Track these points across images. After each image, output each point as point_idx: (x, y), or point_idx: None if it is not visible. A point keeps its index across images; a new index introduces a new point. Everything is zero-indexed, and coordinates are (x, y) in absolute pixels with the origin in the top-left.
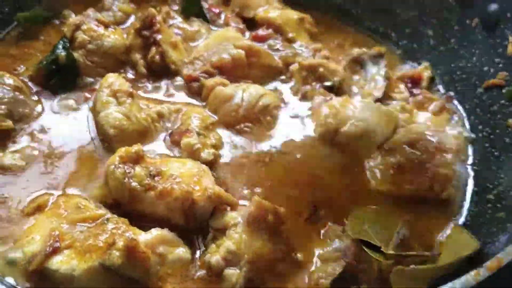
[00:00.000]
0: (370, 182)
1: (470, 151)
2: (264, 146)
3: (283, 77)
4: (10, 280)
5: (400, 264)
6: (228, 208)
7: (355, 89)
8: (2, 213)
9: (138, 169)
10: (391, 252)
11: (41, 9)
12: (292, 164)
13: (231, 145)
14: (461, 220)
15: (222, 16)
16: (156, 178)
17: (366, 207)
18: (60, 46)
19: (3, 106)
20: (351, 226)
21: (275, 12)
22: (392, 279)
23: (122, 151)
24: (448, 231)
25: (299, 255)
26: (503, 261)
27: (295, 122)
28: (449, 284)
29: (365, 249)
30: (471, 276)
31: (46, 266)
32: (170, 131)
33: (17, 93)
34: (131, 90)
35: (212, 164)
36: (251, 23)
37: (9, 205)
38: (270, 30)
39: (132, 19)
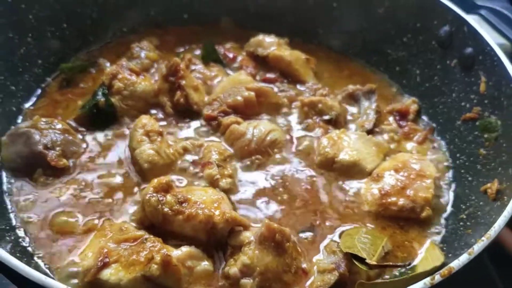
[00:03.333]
0: (362, 204)
1: (449, 176)
2: (272, 174)
3: (286, 110)
4: None
5: (383, 273)
6: (242, 229)
7: (350, 121)
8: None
9: (168, 197)
10: (373, 263)
11: (80, 59)
12: (296, 190)
13: (244, 175)
14: (441, 236)
15: (238, 59)
16: (183, 204)
17: (357, 227)
18: (100, 93)
19: (57, 148)
20: (343, 242)
21: (286, 51)
22: None
23: (155, 182)
24: (426, 246)
25: (303, 266)
26: (454, 269)
27: (299, 152)
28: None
29: (354, 260)
30: (428, 281)
31: (98, 277)
32: (192, 160)
33: (66, 135)
34: (161, 130)
35: (228, 191)
36: (263, 62)
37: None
38: (277, 74)
39: (157, 64)
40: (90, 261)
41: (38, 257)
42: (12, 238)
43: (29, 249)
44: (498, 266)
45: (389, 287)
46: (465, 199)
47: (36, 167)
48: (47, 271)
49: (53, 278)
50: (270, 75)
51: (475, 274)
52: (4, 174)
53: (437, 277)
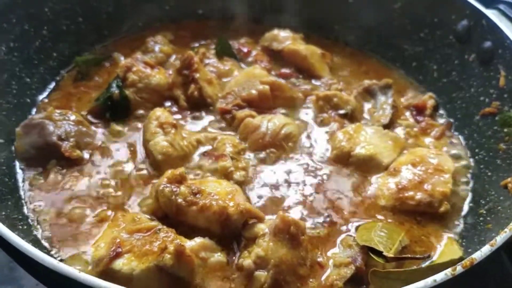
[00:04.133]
0: (378, 198)
1: (468, 171)
2: (287, 167)
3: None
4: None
5: (400, 266)
6: (256, 221)
7: (366, 115)
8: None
9: (182, 188)
10: (391, 255)
11: (94, 53)
12: (312, 183)
13: (258, 168)
14: (459, 231)
15: (252, 53)
16: (197, 195)
17: (374, 221)
18: (114, 85)
19: (72, 139)
20: (360, 235)
21: (302, 46)
22: (370, 279)
23: (168, 173)
24: (444, 241)
25: (319, 260)
26: (475, 260)
27: (315, 146)
28: (431, 278)
29: (370, 254)
30: (449, 271)
31: (111, 267)
32: (206, 153)
33: (80, 126)
34: (174, 122)
35: (242, 184)
36: (277, 57)
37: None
38: (292, 69)
39: (172, 58)
40: (103, 251)
41: (51, 246)
42: (25, 227)
43: (41, 238)
44: None
45: (404, 276)
46: (485, 194)
47: (50, 158)
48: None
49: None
50: (285, 70)
51: (494, 273)
52: (18, 164)
53: (459, 268)
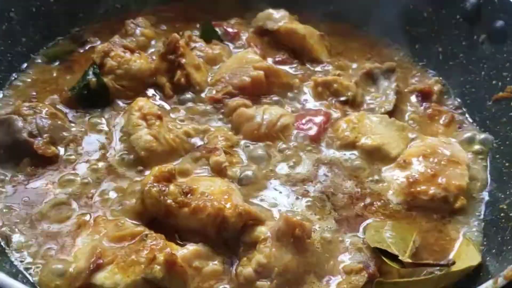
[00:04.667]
0: (387, 193)
1: (483, 162)
2: (285, 160)
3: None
4: None
5: (416, 273)
6: (256, 223)
7: (368, 102)
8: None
9: (172, 187)
10: (407, 260)
11: (65, 40)
12: (315, 179)
13: (254, 162)
14: (478, 229)
15: (242, 36)
16: (188, 195)
17: (383, 219)
18: (91, 72)
19: (45, 135)
20: (370, 236)
21: (300, 25)
22: None
23: (155, 170)
24: (459, 241)
25: (326, 266)
26: None
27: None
28: None
29: (384, 258)
30: (490, 285)
31: (91, 282)
32: (197, 146)
33: (54, 119)
34: (159, 113)
35: (237, 181)
36: (271, 41)
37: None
38: (287, 54)
39: (153, 43)
40: (82, 262)
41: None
42: None
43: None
44: None
45: (415, 285)
46: (504, 188)
47: (22, 157)
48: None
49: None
50: (280, 56)
51: None
52: None
53: (500, 280)
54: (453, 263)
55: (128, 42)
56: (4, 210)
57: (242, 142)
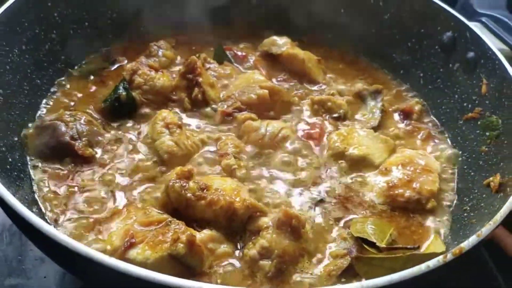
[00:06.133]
0: (370, 195)
1: (453, 171)
2: (285, 165)
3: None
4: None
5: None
6: (260, 215)
7: (357, 118)
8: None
9: (191, 184)
10: (383, 245)
11: (98, 59)
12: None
13: (258, 166)
14: (445, 226)
15: (250, 59)
16: (204, 191)
17: (365, 216)
18: (121, 87)
19: (84, 139)
20: (354, 228)
21: (300, 51)
22: (355, 265)
23: (178, 169)
24: (430, 236)
25: (317, 251)
26: (464, 248)
27: (309, 146)
28: (424, 264)
29: (364, 245)
30: (441, 258)
31: (126, 257)
32: (211, 151)
33: (91, 126)
34: (180, 123)
35: (244, 181)
36: (275, 63)
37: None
38: (287, 75)
39: (175, 62)
40: (117, 241)
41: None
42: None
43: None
44: (502, 271)
45: (387, 263)
46: (468, 193)
47: (64, 156)
48: None
49: None
50: (282, 77)
51: (479, 277)
52: (31, 162)
53: (449, 256)
54: (418, 247)
55: (153, 62)
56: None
57: (249, 149)
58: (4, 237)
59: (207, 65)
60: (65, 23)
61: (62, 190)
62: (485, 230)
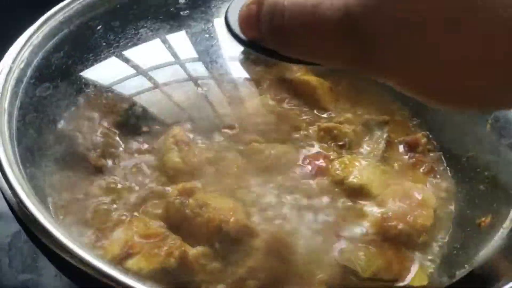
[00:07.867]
0: (363, 224)
1: (449, 207)
2: (287, 190)
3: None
4: None
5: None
6: (252, 235)
7: (363, 147)
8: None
9: (191, 201)
10: (365, 276)
11: None
12: (307, 205)
13: (260, 186)
14: (434, 261)
15: (264, 84)
16: (203, 209)
17: (356, 246)
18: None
19: (98, 150)
20: (342, 256)
21: (313, 77)
22: None
23: (180, 186)
24: (416, 268)
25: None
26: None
27: (312, 172)
28: None
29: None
30: None
31: (122, 266)
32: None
33: (105, 138)
34: (188, 140)
35: (244, 201)
36: (287, 89)
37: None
38: (298, 100)
39: None
40: (116, 250)
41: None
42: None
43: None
44: None
45: None
46: (462, 231)
47: (76, 165)
48: None
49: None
50: (292, 101)
51: None
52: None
53: None
54: (396, 280)
55: None
56: None
57: (252, 171)
58: (22, 235)
59: None
60: None
61: (69, 198)
62: (459, 273)
